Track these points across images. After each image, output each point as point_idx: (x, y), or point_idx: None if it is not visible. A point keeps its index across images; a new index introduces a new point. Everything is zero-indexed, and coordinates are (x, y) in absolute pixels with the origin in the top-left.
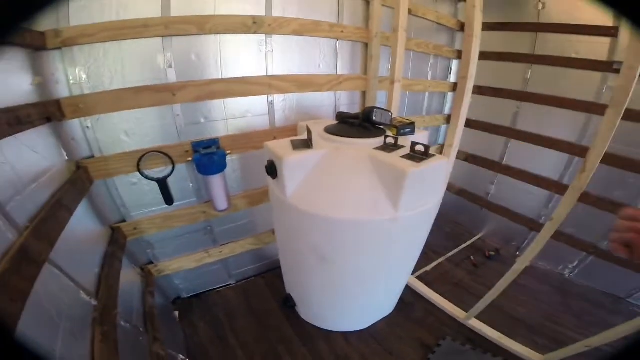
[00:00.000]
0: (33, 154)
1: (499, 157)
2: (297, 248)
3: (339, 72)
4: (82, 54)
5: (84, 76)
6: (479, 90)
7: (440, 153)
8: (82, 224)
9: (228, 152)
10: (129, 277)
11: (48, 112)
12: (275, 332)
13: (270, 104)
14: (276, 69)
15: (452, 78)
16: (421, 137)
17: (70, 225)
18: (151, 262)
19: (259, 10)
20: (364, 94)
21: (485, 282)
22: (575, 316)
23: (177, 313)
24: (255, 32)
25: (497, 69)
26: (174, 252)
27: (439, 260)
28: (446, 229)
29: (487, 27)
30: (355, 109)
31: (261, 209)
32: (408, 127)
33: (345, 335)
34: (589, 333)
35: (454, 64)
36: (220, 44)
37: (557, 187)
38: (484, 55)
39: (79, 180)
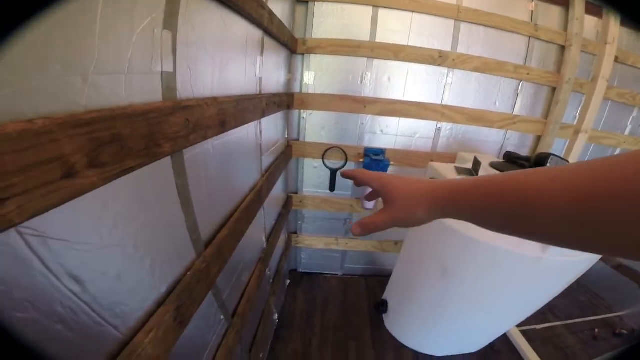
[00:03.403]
0: (275, 129)
1: None
2: (423, 260)
3: (516, 112)
4: (315, 61)
5: (312, 79)
6: None
7: None
8: (278, 186)
9: (391, 163)
10: (280, 238)
11: (289, 101)
12: (355, 329)
13: (438, 130)
14: (451, 100)
15: None
16: None
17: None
18: (295, 232)
19: (446, 46)
20: (538, 138)
21: (597, 356)
22: None
23: (288, 281)
24: (439, 65)
25: None
26: (314, 231)
27: (555, 323)
28: (581, 298)
29: None
30: (524, 152)
31: None
32: None
33: (417, 354)
34: None
35: None
36: (408, 70)
37: None
38: None
39: (287, 154)
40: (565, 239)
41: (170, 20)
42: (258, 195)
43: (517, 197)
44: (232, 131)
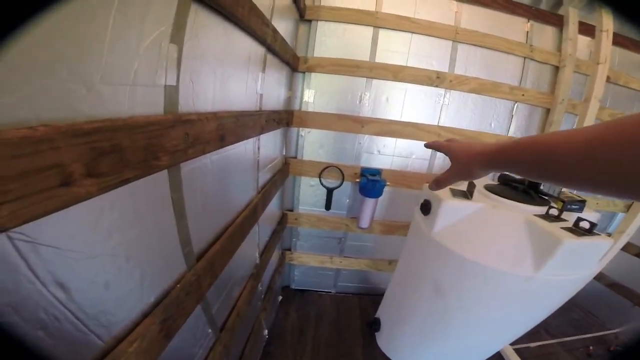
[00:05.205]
0: (273, 146)
1: None
2: (417, 278)
3: (510, 134)
4: (315, 79)
5: (312, 97)
6: None
7: None
8: (274, 203)
9: (387, 183)
10: (274, 254)
11: (288, 118)
12: (347, 347)
13: (434, 151)
14: (447, 121)
15: None
16: (589, 217)
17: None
18: (289, 249)
19: (443, 67)
20: None
21: None
22: None
23: (280, 297)
24: (436, 86)
25: None
26: (308, 248)
27: (550, 341)
28: (575, 316)
29: None
30: None
31: (390, 239)
32: (577, 204)
33: None
34: None
35: None
36: (406, 91)
37: None
38: None
39: (284, 171)
40: (585, 178)
41: (178, 34)
42: (253, 211)
43: (546, 146)
44: (231, 146)
